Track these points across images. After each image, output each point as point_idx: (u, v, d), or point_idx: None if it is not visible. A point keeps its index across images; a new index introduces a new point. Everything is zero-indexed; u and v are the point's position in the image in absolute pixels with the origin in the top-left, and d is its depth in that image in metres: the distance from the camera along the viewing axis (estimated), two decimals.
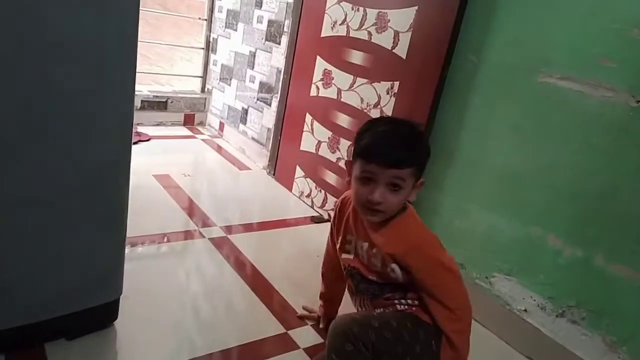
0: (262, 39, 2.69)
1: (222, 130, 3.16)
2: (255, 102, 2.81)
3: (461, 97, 1.63)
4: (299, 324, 1.44)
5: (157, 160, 2.53)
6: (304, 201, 2.37)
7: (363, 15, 1.95)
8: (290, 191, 2.46)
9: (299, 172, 2.40)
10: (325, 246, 1.38)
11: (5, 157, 0.94)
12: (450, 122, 1.66)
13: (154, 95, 3.08)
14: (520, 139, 1.47)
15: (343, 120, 2.10)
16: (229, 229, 1.95)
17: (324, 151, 2.22)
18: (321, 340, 1.37)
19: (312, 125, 2.29)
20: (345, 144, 2.10)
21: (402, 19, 1.79)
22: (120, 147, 1.10)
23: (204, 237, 1.85)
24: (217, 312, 1.43)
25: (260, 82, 2.75)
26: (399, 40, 1.81)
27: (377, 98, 1.92)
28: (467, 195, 1.63)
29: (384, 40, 1.87)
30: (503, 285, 1.54)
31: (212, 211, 2.07)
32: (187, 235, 1.85)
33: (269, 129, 2.68)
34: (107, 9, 0.96)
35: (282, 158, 2.54)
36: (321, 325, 1.42)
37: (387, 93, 1.87)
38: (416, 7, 1.74)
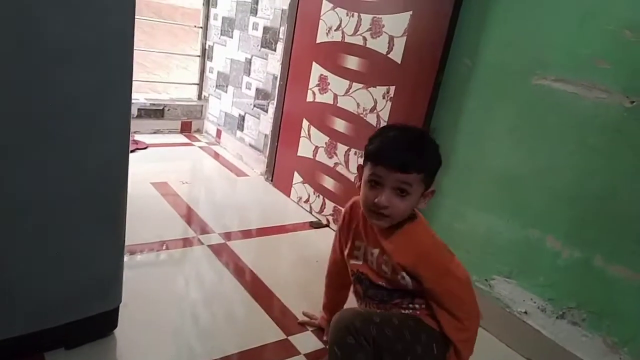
0: (258, 45, 2.70)
1: (219, 137, 3.17)
2: (252, 109, 2.81)
3: (457, 101, 1.63)
4: (299, 329, 1.43)
5: (154, 168, 2.53)
6: (302, 207, 2.37)
7: (358, 21, 1.96)
8: (289, 197, 2.46)
9: (296, 177, 2.41)
10: (330, 255, 1.36)
11: (0, 164, 0.94)
12: (447, 126, 1.67)
13: (150, 103, 3.08)
14: (516, 141, 1.48)
15: (340, 125, 2.11)
16: (227, 235, 1.95)
17: (322, 156, 2.23)
18: (322, 346, 1.37)
19: (309, 130, 2.30)
20: (342, 149, 2.10)
21: (397, 24, 1.80)
22: (118, 154, 1.10)
23: (202, 244, 1.84)
24: (217, 319, 1.43)
25: (256, 89, 2.76)
26: (393, 45, 1.82)
27: (373, 103, 1.92)
28: (465, 198, 1.64)
29: (379, 45, 1.88)
30: (503, 288, 1.54)
31: (211, 218, 2.06)
32: (186, 242, 1.84)
33: (266, 135, 2.69)
34: (104, 16, 0.96)
35: (279, 164, 2.55)
36: (325, 338, 1.38)
37: (383, 98, 1.88)
38: (410, 12, 1.75)
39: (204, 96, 3.33)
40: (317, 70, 2.21)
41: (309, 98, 2.28)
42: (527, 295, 1.48)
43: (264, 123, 2.71)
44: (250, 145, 2.85)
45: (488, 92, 1.55)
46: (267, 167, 2.64)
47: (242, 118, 2.92)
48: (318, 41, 2.19)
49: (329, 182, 2.20)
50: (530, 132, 1.44)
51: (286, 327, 1.43)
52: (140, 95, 3.16)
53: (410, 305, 1.14)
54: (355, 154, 2.02)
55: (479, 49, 1.56)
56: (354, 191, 1.20)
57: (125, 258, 1.26)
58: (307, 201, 2.34)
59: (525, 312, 1.49)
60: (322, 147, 2.22)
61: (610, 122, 1.27)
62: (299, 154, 2.37)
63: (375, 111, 1.92)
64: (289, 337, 1.39)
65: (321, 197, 2.25)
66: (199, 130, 3.34)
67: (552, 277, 1.42)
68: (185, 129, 3.28)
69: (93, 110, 1.02)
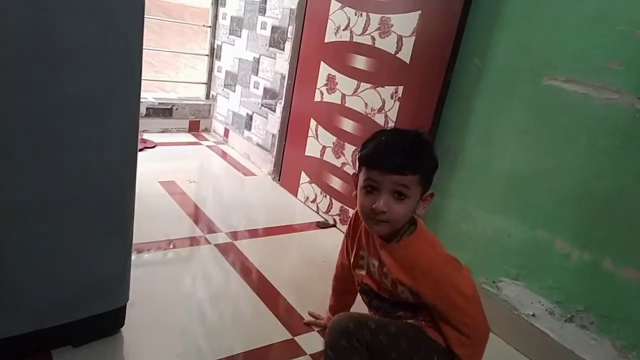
0: (266, 45, 2.70)
1: (226, 137, 3.17)
2: (260, 108, 2.82)
3: (466, 101, 1.62)
4: (305, 330, 1.43)
5: (162, 167, 2.54)
6: (309, 207, 2.37)
7: (366, 21, 1.96)
8: (296, 197, 2.46)
9: (304, 177, 2.40)
10: (337, 258, 1.35)
11: (11, 163, 0.95)
12: (455, 126, 1.66)
13: (159, 102, 3.10)
14: (525, 141, 1.46)
15: (347, 125, 2.10)
16: (234, 234, 1.95)
17: (329, 156, 2.23)
18: None
19: (316, 130, 2.29)
20: (350, 149, 2.10)
21: (406, 23, 1.79)
22: (127, 153, 1.10)
23: (209, 243, 1.85)
24: (223, 318, 1.43)
25: (264, 88, 2.76)
26: (402, 44, 1.81)
27: (381, 103, 1.92)
28: (473, 199, 1.62)
29: (387, 45, 1.87)
30: (511, 290, 1.53)
31: (218, 217, 2.07)
32: (193, 241, 1.85)
33: (273, 135, 2.69)
34: (113, 16, 0.97)
35: (287, 164, 2.55)
36: None
37: (392, 98, 1.87)
38: (419, 12, 1.74)
39: (212, 95, 3.34)
40: (325, 69, 2.21)
41: (317, 98, 2.28)
42: (535, 298, 1.46)
43: (272, 122, 2.71)
44: (258, 144, 2.85)
45: (497, 93, 1.54)
46: (274, 167, 2.64)
47: (250, 117, 2.92)
48: (326, 41, 2.19)
49: (336, 182, 2.19)
50: (540, 133, 1.43)
51: (292, 327, 1.43)
52: (149, 94, 3.17)
53: (414, 320, 1.11)
54: None
55: (489, 49, 1.54)
56: None
57: (133, 257, 1.27)
58: (314, 201, 2.34)
59: (533, 315, 1.47)
60: (330, 147, 2.21)
61: (621, 123, 1.25)
62: (306, 153, 2.37)
63: (383, 111, 1.91)
64: (295, 337, 1.39)
65: (328, 197, 2.24)
66: (206, 130, 3.35)
67: (561, 280, 1.40)
68: (193, 128, 3.29)
69: (102, 110, 1.02)
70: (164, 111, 3.13)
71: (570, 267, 1.37)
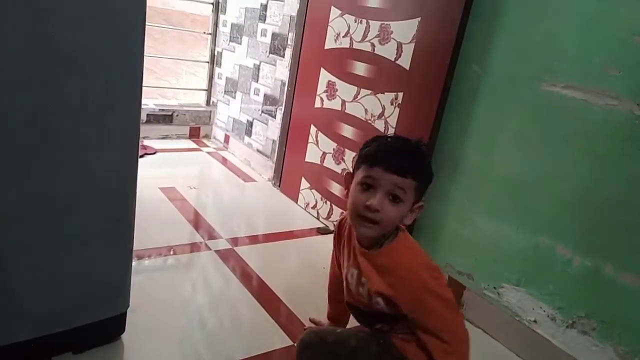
0: (266, 52, 2.72)
1: (227, 143, 3.18)
2: (260, 115, 2.82)
3: (465, 107, 1.63)
4: None
5: (163, 173, 2.54)
6: (309, 213, 2.37)
7: (366, 27, 1.97)
8: (296, 203, 2.46)
9: (304, 183, 2.41)
10: (330, 264, 1.34)
11: (11, 169, 0.95)
12: (455, 132, 1.66)
13: (159, 109, 3.11)
14: (525, 147, 1.47)
15: (347, 131, 2.11)
16: (234, 241, 1.95)
17: (329, 162, 2.23)
18: None
19: (316, 136, 2.30)
20: (350, 155, 2.10)
21: (405, 30, 1.80)
22: (128, 157, 1.11)
23: (210, 249, 1.85)
24: (224, 325, 1.43)
25: (264, 95, 2.77)
26: (402, 51, 1.82)
27: (381, 109, 1.92)
28: (473, 205, 1.63)
29: (387, 51, 1.88)
30: (512, 296, 1.52)
31: (218, 223, 2.07)
32: (194, 247, 1.85)
33: (273, 141, 2.69)
34: (115, 22, 0.98)
35: (287, 170, 2.55)
36: None
37: (392, 104, 1.88)
38: (419, 19, 1.75)
39: (213, 102, 3.35)
40: (325, 76, 2.22)
41: (317, 104, 2.28)
42: (537, 304, 1.46)
43: (272, 129, 2.72)
44: (258, 150, 2.86)
45: (497, 99, 1.54)
46: (274, 173, 2.65)
47: (250, 124, 2.93)
48: (326, 47, 2.20)
49: (336, 188, 2.20)
50: (539, 139, 1.43)
51: (292, 334, 1.43)
52: (150, 101, 3.18)
53: (391, 333, 1.09)
54: None
55: (488, 56, 1.55)
56: None
57: (133, 263, 1.26)
58: (314, 207, 2.34)
59: (535, 321, 1.47)
60: (330, 153, 2.22)
61: (621, 128, 1.26)
62: (306, 159, 2.37)
63: (383, 117, 1.92)
64: (296, 344, 1.38)
65: (328, 203, 2.24)
66: (207, 136, 3.36)
67: (562, 286, 1.40)
68: (194, 134, 3.30)
69: (103, 116, 1.03)
70: (164, 118, 3.14)
71: (571, 273, 1.37)
